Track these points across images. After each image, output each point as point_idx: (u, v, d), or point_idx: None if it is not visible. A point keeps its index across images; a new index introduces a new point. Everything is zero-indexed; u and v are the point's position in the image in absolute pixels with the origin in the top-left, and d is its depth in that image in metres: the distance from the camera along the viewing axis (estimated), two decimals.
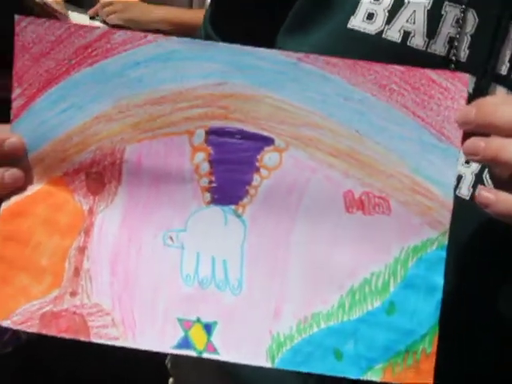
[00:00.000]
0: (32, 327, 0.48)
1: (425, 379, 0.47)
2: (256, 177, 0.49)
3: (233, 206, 0.50)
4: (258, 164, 0.49)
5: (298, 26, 0.59)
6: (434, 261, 0.48)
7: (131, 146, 0.50)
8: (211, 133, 0.49)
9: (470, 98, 0.52)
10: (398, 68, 0.48)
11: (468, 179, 0.54)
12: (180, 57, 0.49)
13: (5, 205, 0.50)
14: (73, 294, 0.49)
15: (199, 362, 0.70)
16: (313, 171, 0.49)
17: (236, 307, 0.49)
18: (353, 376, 0.48)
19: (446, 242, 0.48)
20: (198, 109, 0.49)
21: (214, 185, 0.50)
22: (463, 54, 0.54)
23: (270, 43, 0.56)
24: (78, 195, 0.51)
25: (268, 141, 0.49)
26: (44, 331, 0.48)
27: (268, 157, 0.49)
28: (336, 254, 0.49)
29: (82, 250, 0.50)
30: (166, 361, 0.77)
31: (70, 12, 1.72)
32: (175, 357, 0.75)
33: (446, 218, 0.48)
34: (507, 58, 0.53)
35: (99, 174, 0.50)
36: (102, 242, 0.50)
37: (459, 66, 0.53)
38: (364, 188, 0.49)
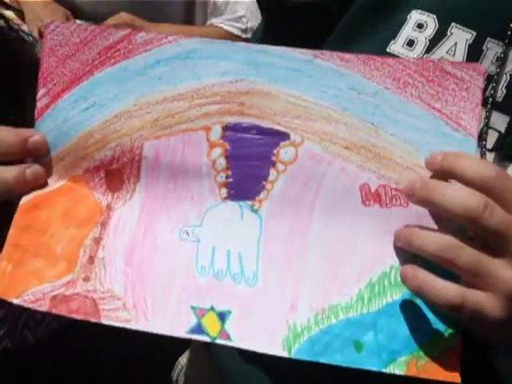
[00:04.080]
0: (42, 307, 0.48)
1: (451, 372, 0.45)
2: (272, 171, 0.50)
3: (249, 202, 0.50)
4: (274, 159, 0.50)
5: (340, 42, 0.59)
6: None
7: (149, 143, 0.51)
8: (228, 128, 0.50)
9: (502, 138, 0.52)
10: (412, 61, 0.48)
11: None
12: (198, 56, 0.50)
13: (25, 198, 0.51)
14: (86, 279, 0.49)
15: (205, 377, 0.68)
16: (328, 164, 0.49)
17: (251, 297, 0.48)
18: (374, 368, 0.45)
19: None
20: (214, 105, 0.50)
21: (230, 180, 0.50)
22: (500, 92, 0.52)
23: None
24: (98, 192, 0.51)
25: (284, 135, 0.50)
26: (54, 311, 0.48)
27: (284, 151, 0.49)
28: (353, 247, 0.48)
29: (97, 240, 0.50)
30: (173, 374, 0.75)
31: None
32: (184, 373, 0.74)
33: None
34: None
35: (118, 171, 0.51)
36: (118, 235, 0.50)
37: (495, 105, 0.52)
38: (380, 181, 0.48)
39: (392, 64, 0.48)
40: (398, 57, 0.54)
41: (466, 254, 0.42)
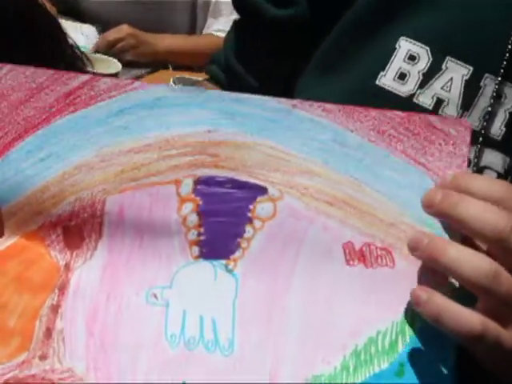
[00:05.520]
0: None
1: None
2: (249, 228, 0.46)
3: (223, 261, 0.46)
4: (250, 215, 0.46)
5: (323, 71, 0.55)
6: None
7: (112, 197, 0.46)
8: (200, 182, 0.46)
9: (501, 177, 0.50)
10: (397, 113, 0.46)
11: None
12: (167, 103, 0.46)
13: None
14: (42, 357, 0.44)
15: None
16: (310, 222, 0.46)
17: (226, 370, 0.44)
18: None
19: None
20: (185, 157, 0.46)
21: (202, 238, 0.46)
22: (499, 131, 0.50)
23: (292, 81, 0.52)
24: (54, 250, 0.46)
25: (261, 190, 0.46)
26: None
27: (261, 207, 0.46)
28: (337, 311, 0.45)
29: (55, 308, 0.45)
30: None
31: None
32: None
33: None
34: None
35: (78, 228, 0.46)
36: (78, 300, 0.45)
37: (493, 144, 0.49)
38: (365, 238, 0.45)
39: (376, 116, 0.46)
40: (387, 91, 0.52)
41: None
